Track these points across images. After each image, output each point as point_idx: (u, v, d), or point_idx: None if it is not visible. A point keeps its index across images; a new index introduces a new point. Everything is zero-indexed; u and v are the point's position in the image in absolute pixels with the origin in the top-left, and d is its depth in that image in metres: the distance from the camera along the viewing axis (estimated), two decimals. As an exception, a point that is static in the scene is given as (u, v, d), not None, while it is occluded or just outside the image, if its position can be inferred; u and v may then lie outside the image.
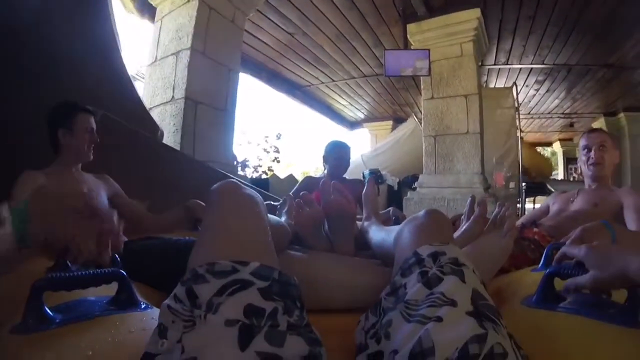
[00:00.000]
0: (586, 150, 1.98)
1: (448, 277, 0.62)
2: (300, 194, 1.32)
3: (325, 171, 2.92)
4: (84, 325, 0.67)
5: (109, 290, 0.79)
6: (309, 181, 2.89)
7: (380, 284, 0.74)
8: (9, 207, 0.82)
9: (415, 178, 5.58)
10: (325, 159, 2.87)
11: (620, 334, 0.65)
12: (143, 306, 0.79)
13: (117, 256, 0.84)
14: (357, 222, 1.36)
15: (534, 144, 11.14)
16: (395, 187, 6.16)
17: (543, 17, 4.95)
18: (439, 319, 0.54)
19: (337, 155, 2.82)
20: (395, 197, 5.96)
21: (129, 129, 2.32)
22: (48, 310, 0.68)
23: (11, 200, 1.32)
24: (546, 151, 11.05)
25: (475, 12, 4.81)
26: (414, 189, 5.38)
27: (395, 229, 0.93)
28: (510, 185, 5.83)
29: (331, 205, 1.22)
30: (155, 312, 0.75)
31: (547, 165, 9.21)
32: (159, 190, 2.18)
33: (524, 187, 6.08)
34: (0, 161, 1.61)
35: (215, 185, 0.78)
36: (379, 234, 1.14)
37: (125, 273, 0.79)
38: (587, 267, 0.72)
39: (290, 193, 1.87)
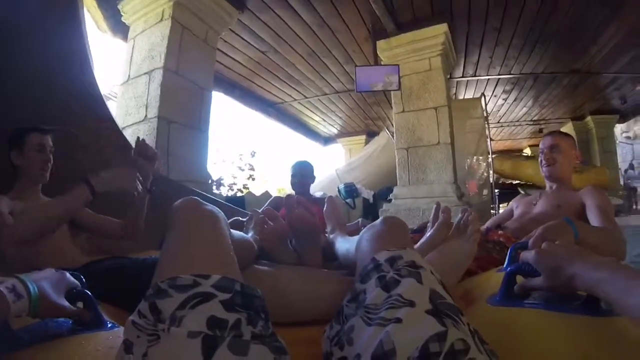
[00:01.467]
0: (541, 153, 2.02)
1: (405, 279, 0.63)
2: (263, 209, 1.34)
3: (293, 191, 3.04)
4: (52, 345, 0.68)
5: None
6: (277, 200, 2.96)
7: (347, 293, 0.75)
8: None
9: (390, 190, 5.63)
10: (291, 179, 3.03)
11: (585, 323, 0.67)
12: (109, 325, 0.79)
13: (81, 276, 0.83)
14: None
15: (504, 151, 11.38)
16: (371, 200, 6.19)
17: (509, 29, 5.12)
18: (399, 320, 0.55)
19: (298, 173, 3.00)
20: (371, 210, 6.01)
21: (101, 147, 2.30)
22: (16, 332, 0.68)
23: None
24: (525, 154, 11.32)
25: (443, 27, 4.95)
26: (389, 200, 5.44)
27: (353, 240, 0.95)
28: (483, 192, 5.97)
29: (295, 219, 1.23)
30: (121, 331, 0.73)
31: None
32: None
33: (497, 193, 6.23)
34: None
35: (175, 203, 0.79)
36: (344, 245, 1.16)
37: (89, 293, 0.79)
38: (539, 270, 0.74)
39: (259, 210, 1.89)
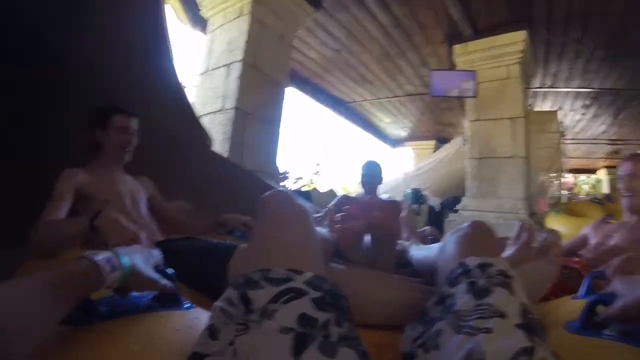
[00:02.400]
0: (620, 179, 1.85)
1: (497, 288, 0.62)
2: (343, 207, 1.33)
3: (362, 190, 3.03)
4: (130, 321, 0.67)
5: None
6: (345, 200, 2.95)
7: (420, 302, 0.74)
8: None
9: (457, 200, 5.49)
10: (361, 178, 3.02)
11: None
12: (186, 305, 0.79)
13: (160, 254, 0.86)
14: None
15: (579, 170, 10.69)
16: (437, 208, 6.09)
17: (590, 41, 4.83)
18: (489, 330, 0.55)
19: (369, 172, 2.98)
20: (436, 219, 5.87)
21: (181, 134, 2.41)
22: (94, 304, 0.67)
23: (52, 196, 1.38)
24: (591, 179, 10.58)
25: (522, 35, 4.75)
26: (456, 211, 5.29)
27: (436, 245, 0.94)
28: (554, 212, 5.64)
29: (375, 221, 1.21)
30: (198, 312, 0.76)
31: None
32: (207, 195, 2.24)
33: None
34: (44, 159, 1.65)
35: (267, 194, 0.79)
36: (420, 252, 1.15)
37: (173, 270, 0.80)
38: (617, 296, 0.71)
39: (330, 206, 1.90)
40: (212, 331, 0.53)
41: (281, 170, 6.27)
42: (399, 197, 5.41)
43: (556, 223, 4.62)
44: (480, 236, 0.81)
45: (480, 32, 5.01)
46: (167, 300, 0.77)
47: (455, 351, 0.55)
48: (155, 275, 0.73)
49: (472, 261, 0.70)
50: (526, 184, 4.82)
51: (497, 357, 0.51)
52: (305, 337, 0.50)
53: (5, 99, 1.70)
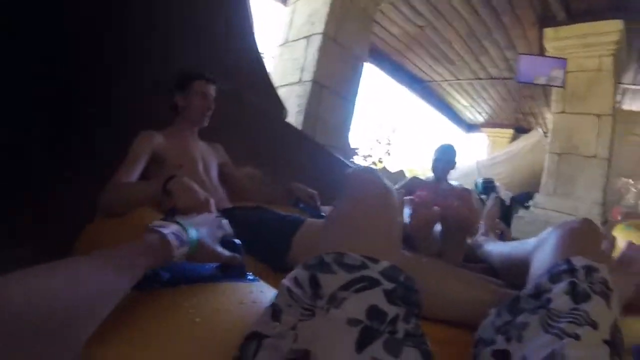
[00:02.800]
0: None
1: (596, 297, 0.60)
2: (416, 193, 1.30)
3: (433, 175, 2.89)
4: (194, 289, 0.67)
5: None
6: (415, 182, 2.87)
7: (490, 301, 0.72)
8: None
9: (528, 195, 5.22)
10: (433, 162, 2.87)
11: None
12: (251, 277, 0.77)
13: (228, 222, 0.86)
14: None
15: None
16: (508, 202, 5.84)
17: None
18: (577, 337, 0.54)
19: (443, 157, 2.82)
20: (504, 213, 5.63)
21: (257, 104, 2.46)
22: (158, 270, 0.66)
23: (127, 156, 1.42)
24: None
25: (619, 24, 4.35)
26: (528, 207, 5.04)
27: (528, 241, 0.90)
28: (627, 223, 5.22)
29: (452, 211, 1.16)
30: (262, 285, 0.75)
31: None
32: (278, 165, 2.29)
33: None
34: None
35: (352, 171, 0.76)
36: (503, 247, 1.10)
37: (239, 242, 0.79)
38: None
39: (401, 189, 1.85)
40: (275, 311, 0.52)
41: (352, 146, 6.29)
42: (469, 186, 5.25)
43: (623, 237, 4.30)
44: (589, 236, 0.77)
45: (574, 16, 4.64)
46: (232, 271, 0.76)
47: (538, 349, 0.55)
48: (219, 249, 0.73)
49: (579, 261, 0.67)
50: (605, 188, 4.51)
51: None
52: (372, 331, 0.47)
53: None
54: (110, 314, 0.52)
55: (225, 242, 0.78)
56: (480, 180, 5.64)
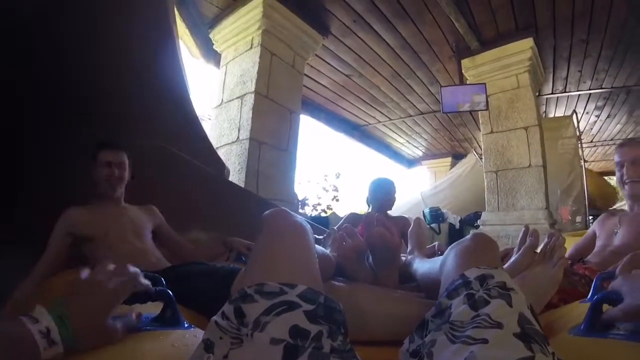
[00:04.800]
0: (619, 166, 1.77)
1: (495, 300, 0.62)
2: (343, 225, 1.35)
3: (370, 209, 2.94)
4: (130, 338, 0.69)
5: (154, 308, 0.82)
6: (353, 217, 2.91)
7: (420, 315, 0.73)
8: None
9: (477, 215, 5.40)
10: (369, 197, 2.90)
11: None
12: (186, 325, 0.81)
13: (162, 278, 0.88)
14: (403, 256, 1.35)
15: (598, 174, 10.44)
16: (457, 226, 6.01)
17: (596, 41, 4.79)
18: (485, 341, 0.54)
19: (379, 191, 2.85)
20: (456, 236, 5.78)
21: (198, 166, 2.47)
22: None
23: (47, 246, 1.49)
24: (611, 180, 10.28)
25: (528, 42, 4.75)
26: (477, 226, 5.21)
27: (440, 258, 0.93)
28: (577, 219, 5.52)
29: (374, 237, 1.21)
30: (197, 331, 0.78)
31: (613, 193, 8.56)
32: (225, 224, 2.28)
33: (591, 220, 5.72)
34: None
35: (266, 212, 0.80)
36: (424, 265, 1.13)
37: (170, 292, 0.82)
38: (622, 294, 0.70)
39: (335, 228, 1.90)
40: (207, 345, 0.54)
41: (300, 197, 6.33)
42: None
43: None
44: (481, 248, 0.80)
45: (487, 44, 5.04)
46: (168, 320, 0.80)
47: (449, 359, 0.55)
48: (113, 322, 0.67)
49: (472, 273, 0.69)
50: (545, 193, 4.76)
51: None
52: (296, 348, 0.50)
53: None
54: None
55: (158, 293, 0.79)
56: (427, 210, 5.80)
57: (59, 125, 1.86)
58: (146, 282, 0.77)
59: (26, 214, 1.75)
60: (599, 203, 7.30)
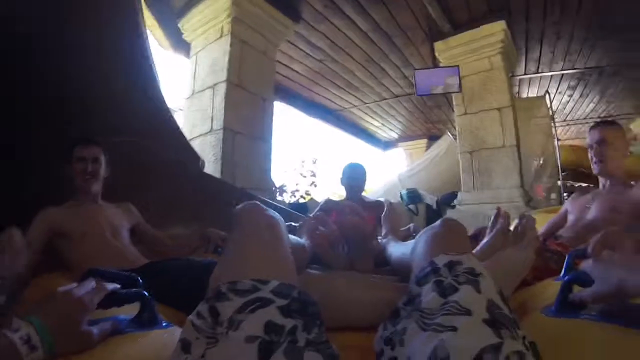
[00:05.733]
0: (589, 148, 1.86)
1: (463, 286, 0.62)
2: (315, 214, 1.35)
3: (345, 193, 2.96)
4: (108, 342, 0.69)
5: (132, 309, 0.81)
6: (329, 203, 2.92)
7: (397, 300, 0.73)
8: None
9: (454, 195, 5.48)
10: (341, 182, 2.91)
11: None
12: (164, 324, 0.81)
13: (139, 278, 0.87)
14: (380, 239, 1.37)
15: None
16: (434, 206, 6.08)
17: (568, 22, 4.85)
18: (454, 329, 0.54)
19: (350, 176, 2.85)
20: (434, 216, 5.85)
21: (172, 159, 2.43)
22: None
23: (27, 237, 1.42)
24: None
25: (500, 25, 4.80)
26: (453, 206, 5.29)
27: (411, 243, 0.93)
28: (551, 196, 5.65)
29: (347, 225, 1.23)
30: (176, 329, 0.78)
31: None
32: (202, 217, 2.26)
33: (566, 197, 5.87)
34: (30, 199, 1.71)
35: (237, 207, 0.80)
36: (398, 249, 1.14)
37: (147, 293, 0.81)
38: (594, 279, 0.71)
39: (311, 215, 1.91)
40: (184, 345, 0.54)
41: (278, 185, 6.30)
42: (394, 199, 5.39)
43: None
44: (451, 234, 0.80)
45: (459, 27, 5.07)
46: (146, 321, 0.79)
47: (420, 348, 0.55)
48: (89, 328, 0.67)
49: (440, 260, 0.69)
50: (520, 172, 4.84)
51: (462, 355, 0.50)
52: (271, 344, 0.50)
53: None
54: None
55: (133, 295, 0.80)
56: (404, 192, 5.86)
57: (27, 126, 1.80)
58: (113, 285, 0.77)
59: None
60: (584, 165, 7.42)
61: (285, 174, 7.43)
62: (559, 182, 5.79)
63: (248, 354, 0.49)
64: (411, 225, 1.93)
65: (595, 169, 1.86)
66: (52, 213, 1.62)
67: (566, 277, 0.81)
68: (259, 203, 0.82)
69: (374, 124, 9.17)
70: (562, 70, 6.27)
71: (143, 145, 2.15)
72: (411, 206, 5.83)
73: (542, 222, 1.92)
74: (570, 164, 6.65)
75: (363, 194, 2.98)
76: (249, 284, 0.58)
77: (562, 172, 5.80)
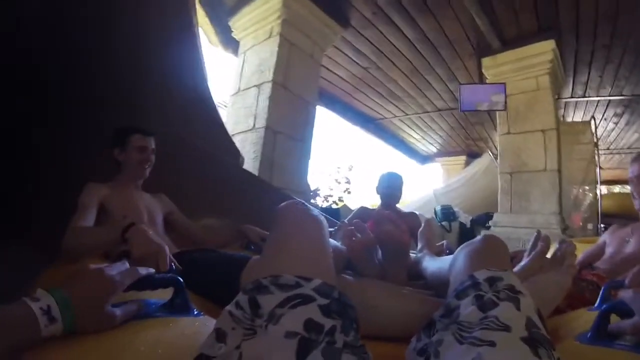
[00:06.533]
0: (631, 182, 1.77)
1: (503, 302, 0.61)
2: (353, 221, 1.34)
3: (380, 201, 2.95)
4: (140, 324, 0.70)
5: (165, 295, 0.82)
6: (363, 211, 2.91)
7: (427, 314, 0.73)
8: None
9: (488, 216, 5.37)
10: (377, 190, 2.90)
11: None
12: (196, 312, 0.81)
13: (173, 264, 0.87)
14: (412, 253, 1.36)
15: (613, 182, 10.29)
16: (468, 225, 5.98)
17: (619, 47, 4.68)
18: (492, 344, 0.54)
19: (387, 185, 2.86)
20: (467, 235, 5.75)
21: (212, 152, 2.48)
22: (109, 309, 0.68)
23: (78, 207, 1.45)
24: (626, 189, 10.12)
25: (550, 44, 4.67)
26: (488, 227, 5.17)
27: (449, 258, 0.93)
28: (588, 226, 5.45)
29: (384, 234, 1.21)
30: (207, 319, 0.78)
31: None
32: (237, 212, 2.29)
33: (603, 228, 5.65)
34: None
35: (282, 204, 0.81)
36: (434, 263, 1.14)
37: (181, 279, 0.82)
38: (634, 310, 0.70)
39: (345, 221, 1.91)
40: (219, 334, 0.54)
41: (312, 188, 6.33)
42: (428, 214, 5.33)
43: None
44: (492, 250, 0.80)
45: (508, 43, 4.96)
46: (178, 307, 0.80)
47: None
48: (110, 312, 0.68)
49: (481, 274, 0.69)
50: (559, 198, 4.69)
51: None
52: (310, 342, 0.50)
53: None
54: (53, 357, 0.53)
55: (168, 280, 0.81)
56: (438, 208, 5.79)
57: (68, 112, 1.86)
58: (147, 270, 0.79)
59: (28, 211, 1.75)
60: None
61: (320, 178, 7.46)
62: (597, 213, 5.59)
63: (286, 349, 0.49)
64: (444, 241, 1.90)
65: (636, 204, 1.78)
66: (101, 188, 1.64)
67: (604, 306, 0.80)
68: (303, 201, 0.83)
69: (414, 136, 9.07)
70: (609, 95, 6.04)
71: (183, 136, 2.20)
72: (444, 223, 5.75)
73: (578, 252, 1.87)
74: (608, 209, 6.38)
75: (398, 205, 2.97)
76: (293, 280, 0.59)
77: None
